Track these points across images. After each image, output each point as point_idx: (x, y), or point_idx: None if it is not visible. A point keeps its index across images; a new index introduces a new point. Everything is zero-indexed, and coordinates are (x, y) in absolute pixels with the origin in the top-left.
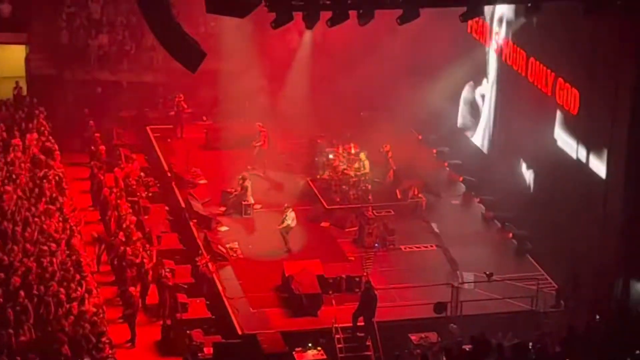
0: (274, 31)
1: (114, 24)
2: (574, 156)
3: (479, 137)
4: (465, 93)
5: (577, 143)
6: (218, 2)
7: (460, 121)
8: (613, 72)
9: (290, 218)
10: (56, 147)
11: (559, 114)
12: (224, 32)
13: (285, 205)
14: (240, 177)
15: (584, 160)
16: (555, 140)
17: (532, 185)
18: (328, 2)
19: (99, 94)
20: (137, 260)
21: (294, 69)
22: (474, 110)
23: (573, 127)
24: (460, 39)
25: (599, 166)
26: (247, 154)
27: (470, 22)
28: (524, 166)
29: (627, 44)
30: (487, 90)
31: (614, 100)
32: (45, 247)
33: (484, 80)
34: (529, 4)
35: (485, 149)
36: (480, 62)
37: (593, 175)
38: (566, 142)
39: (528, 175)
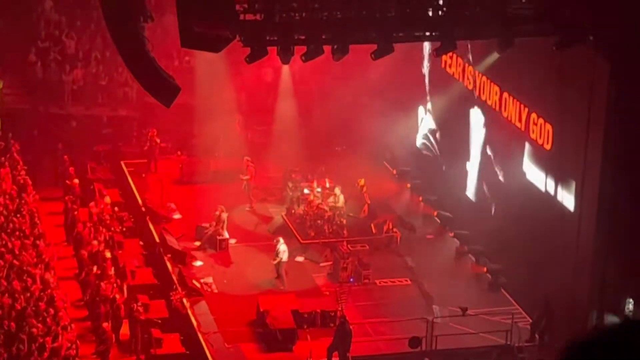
0: (249, 65)
1: (88, 59)
2: (543, 189)
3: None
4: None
5: (546, 176)
6: (193, 37)
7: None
8: (585, 107)
9: (282, 251)
10: (29, 181)
11: (527, 146)
12: (199, 66)
13: (276, 239)
14: (216, 211)
15: (552, 193)
16: (524, 173)
17: (504, 219)
18: (302, 37)
19: (73, 128)
20: (110, 295)
21: (269, 103)
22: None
23: (543, 160)
24: (436, 74)
25: (568, 199)
26: (221, 189)
27: (444, 57)
28: (495, 199)
29: (599, 79)
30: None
31: (586, 135)
32: (19, 282)
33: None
34: (502, 39)
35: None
36: (454, 96)
37: (562, 208)
38: (535, 175)
39: (500, 208)
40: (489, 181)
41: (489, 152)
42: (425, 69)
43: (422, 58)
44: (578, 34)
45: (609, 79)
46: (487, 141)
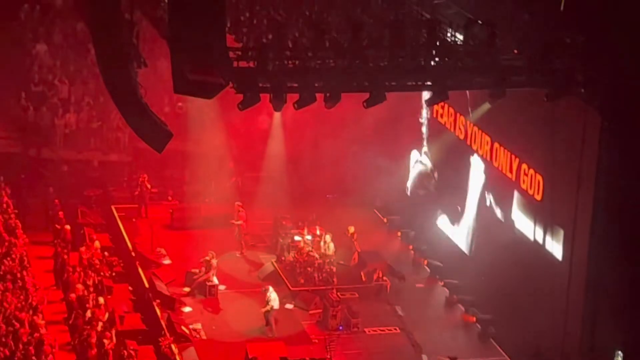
0: (242, 112)
1: (81, 103)
2: (532, 238)
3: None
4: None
5: (535, 225)
6: (186, 83)
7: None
8: (576, 159)
9: (273, 299)
10: (19, 224)
11: (516, 195)
12: (191, 112)
13: (264, 287)
14: (207, 257)
15: (540, 241)
16: (513, 222)
17: (493, 268)
18: (295, 85)
19: (65, 172)
20: (97, 341)
21: (260, 150)
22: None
23: (532, 209)
24: (434, 121)
25: (556, 248)
26: (212, 235)
27: (435, 106)
28: (484, 249)
29: (590, 131)
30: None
31: (577, 186)
32: (7, 327)
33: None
34: (494, 90)
35: (450, 234)
36: (446, 145)
37: (551, 257)
38: (524, 224)
39: (489, 258)
40: (479, 230)
41: (482, 200)
42: (424, 119)
43: (420, 107)
44: (569, 86)
45: (600, 130)
46: (482, 190)
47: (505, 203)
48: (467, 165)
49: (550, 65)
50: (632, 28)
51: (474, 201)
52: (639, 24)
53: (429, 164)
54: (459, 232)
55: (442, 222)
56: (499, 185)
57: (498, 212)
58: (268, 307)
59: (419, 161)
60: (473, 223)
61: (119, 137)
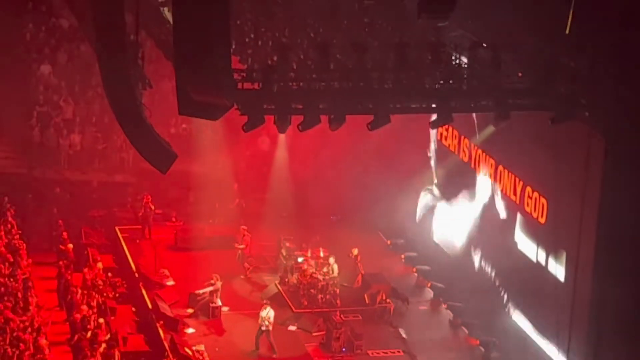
0: (246, 133)
1: (85, 124)
2: (534, 259)
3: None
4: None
5: (538, 246)
6: (191, 104)
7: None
8: (581, 182)
9: (268, 317)
10: (23, 245)
11: (519, 217)
12: (196, 133)
13: (265, 301)
14: (212, 280)
15: (543, 263)
16: (515, 243)
17: (499, 291)
18: (299, 107)
19: (69, 192)
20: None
21: (264, 171)
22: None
23: (535, 231)
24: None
25: (559, 270)
26: (216, 256)
27: (440, 129)
28: (489, 271)
29: (594, 154)
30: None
31: (581, 210)
32: (11, 348)
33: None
34: (498, 113)
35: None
36: (451, 169)
37: (554, 279)
38: (526, 245)
39: (492, 280)
40: (483, 252)
41: (486, 222)
42: (432, 152)
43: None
44: (573, 110)
45: (604, 154)
46: (487, 211)
47: (509, 225)
48: (472, 186)
49: (554, 88)
50: (636, 52)
51: (478, 222)
52: None
53: (437, 194)
54: (463, 254)
55: (447, 244)
56: (504, 207)
57: (502, 235)
58: (266, 327)
59: (428, 189)
60: (477, 245)
61: (124, 157)
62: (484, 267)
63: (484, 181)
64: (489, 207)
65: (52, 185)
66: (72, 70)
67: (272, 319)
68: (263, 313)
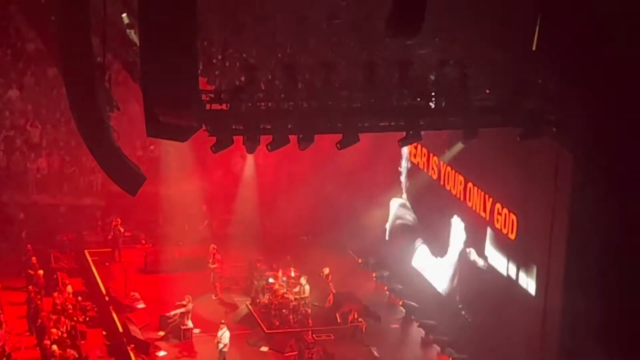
0: (215, 154)
1: (53, 147)
2: (505, 274)
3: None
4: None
5: (508, 261)
6: (158, 126)
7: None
8: (550, 198)
9: (225, 338)
10: None
11: (489, 231)
12: (164, 155)
13: (223, 320)
14: (183, 301)
15: (514, 277)
16: (486, 258)
17: (468, 307)
18: (268, 127)
19: (37, 216)
20: None
21: (235, 192)
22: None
23: (506, 248)
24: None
25: (530, 284)
26: (186, 278)
27: (410, 146)
28: (459, 288)
29: (562, 170)
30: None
31: (551, 225)
32: None
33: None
34: (466, 130)
35: (426, 274)
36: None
37: (525, 293)
38: (497, 260)
39: (464, 297)
40: (454, 270)
41: (457, 241)
42: (403, 168)
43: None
44: (541, 126)
45: (573, 169)
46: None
47: (479, 241)
48: (443, 205)
49: (522, 105)
50: (604, 68)
51: (449, 242)
52: (611, 64)
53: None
54: (434, 272)
55: (418, 262)
56: (473, 223)
57: (472, 251)
58: (223, 346)
59: (399, 205)
60: (449, 262)
61: (92, 180)
62: (456, 284)
63: (459, 226)
64: (460, 226)
65: (20, 209)
66: (39, 94)
67: (226, 340)
68: (219, 333)
